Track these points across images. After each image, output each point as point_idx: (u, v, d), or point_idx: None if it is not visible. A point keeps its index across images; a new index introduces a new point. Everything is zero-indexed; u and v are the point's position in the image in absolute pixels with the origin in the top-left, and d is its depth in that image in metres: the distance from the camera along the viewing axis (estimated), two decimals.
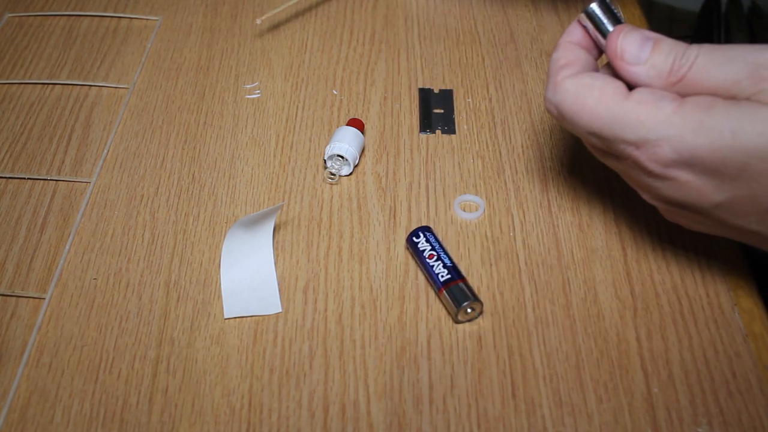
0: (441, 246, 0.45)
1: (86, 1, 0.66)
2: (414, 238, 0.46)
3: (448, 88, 0.57)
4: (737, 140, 0.34)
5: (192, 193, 0.50)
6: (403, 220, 0.48)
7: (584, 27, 0.41)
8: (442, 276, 0.43)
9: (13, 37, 0.63)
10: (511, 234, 0.47)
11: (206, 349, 0.42)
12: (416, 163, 0.52)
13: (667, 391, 0.40)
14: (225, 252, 0.46)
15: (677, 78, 0.37)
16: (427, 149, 0.53)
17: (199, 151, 0.53)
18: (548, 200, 0.49)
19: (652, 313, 0.43)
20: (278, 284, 0.45)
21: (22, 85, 0.58)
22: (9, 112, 0.56)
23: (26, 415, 0.40)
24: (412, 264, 0.46)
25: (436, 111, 0.56)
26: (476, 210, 0.49)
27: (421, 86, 0.58)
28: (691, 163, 0.36)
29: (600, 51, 0.41)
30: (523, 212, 0.49)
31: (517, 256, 0.46)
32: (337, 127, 0.54)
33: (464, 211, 0.49)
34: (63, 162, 0.52)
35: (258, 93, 0.57)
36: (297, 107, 0.56)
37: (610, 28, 0.40)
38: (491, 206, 0.49)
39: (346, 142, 0.50)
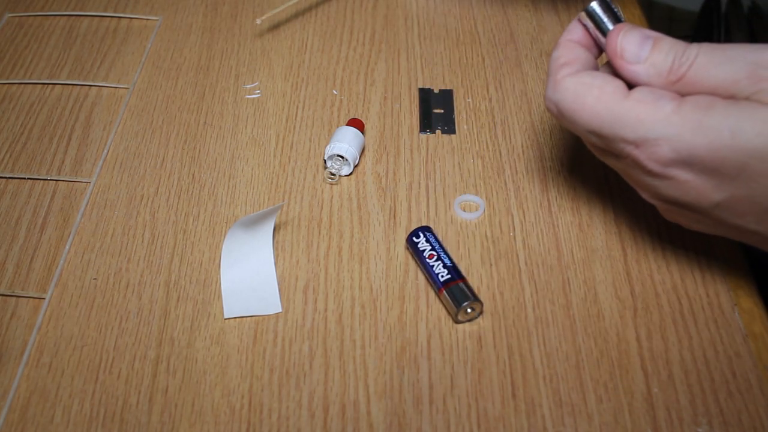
0: (441, 246, 0.45)
1: (86, 1, 0.66)
2: (414, 238, 0.46)
3: (448, 88, 0.57)
4: (736, 140, 0.34)
5: (192, 193, 0.50)
6: (403, 220, 0.48)
7: (584, 25, 0.41)
8: (442, 276, 0.43)
9: (13, 37, 0.63)
10: (511, 234, 0.47)
11: (206, 349, 0.42)
12: (416, 163, 0.52)
13: (667, 391, 0.40)
14: (225, 252, 0.46)
15: (677, 77, 0.37)
16: (427, 149, 0.53)
17: (199, 151, 0.53)
18: (548, 200, 0.49)
19: (652, 313, 0.43)
20: (278, 284, 0.45)
21: (22, 85, 0.58)
22: (9, 112, 0.56)
23: (26, 415, 0.40)
24: (412, 264, 0.46)
25: (436, 111, 0.56)
26: (476, 210, 0.49)
27: (421, 86, 0.58)
28: (690, 162, 0.36)
29: (600, 50, 0.41)
30: (523, 212, 0.49)
31: (517, 256, 0.46)
32: (337, 127, 0.54)
33: (464, 211, 0.49)
34: (63, 162, 0.52)
35: (258, 93, 0.57)
36: (297, 107, 0.56)
37: (610, 26, 0.40)
38: (491, 206, 0.49)
39: (346, 142, 0.50)
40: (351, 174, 0.51)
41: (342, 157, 0.50)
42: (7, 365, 0.42)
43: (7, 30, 0.63)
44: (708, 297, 0.44)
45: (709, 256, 0.46)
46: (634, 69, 0.38)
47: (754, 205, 0.36)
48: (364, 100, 0.57)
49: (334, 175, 0.50)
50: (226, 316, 0.43)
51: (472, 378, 0.41)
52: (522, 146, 0.53)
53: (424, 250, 0.45)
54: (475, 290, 0.44)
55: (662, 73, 0.37)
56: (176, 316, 0.44)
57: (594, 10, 0.40)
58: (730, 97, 0.35)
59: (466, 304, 0.42)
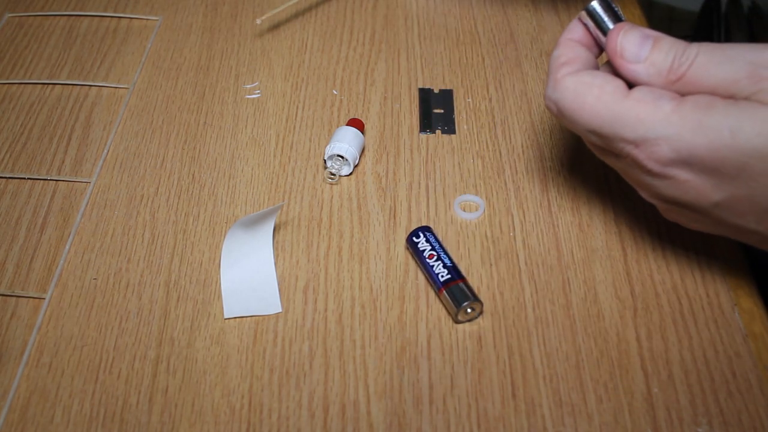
0: (441, 246, 0.45)
1: (86, 1, 0.66)
2: (414, 238, 0.46)
3: (448, 88, 0.57)
4: (736, 140, 0.34)
5: (192, 193, 0.50)
6: (403, 220, 0.48)
7: (585, 25, 0.41)
8: (442, 276, 0.43)
9: (13, 37, 0.63)
10: (511, 234, 0.47)
11: (206, 349, 0.42)
12: (416, 163, 0.52)
13: (667, 391, 0.40)
14: (225, 252, 0.46)
15: (677, 76, 0.37)
16: (427, 149, 0.53)
17: (199, 151, 0.53)
18: (548, 200, 0.49)
19: (652, 313, 0.43)
20: (278, 284, 0.45)
21: (22, 85, 0.58)
22: (9, 112, 0.56)
23: (26, 415, 0.40)
24: (412, 264, 0.46)
25: (436, 111, 0.56)
26: (476, 210, 0.49)
27: (421, 86, 0.58)
28: (689, 162, 0.36)
29: (600, 49, 0.41)
30: (523, 212, 0.49)
31: (517, 256, 0.46)
32: (337, 127, 0.54)
33: (464, 211, 0.49)
34: (63, 162, 0.52)
35: (258, 93, 0.57)
36: (297, 107, 0.56)
37: (610, 25, 0.40)
38: (491, 206, 0.49)
39: (346, 142, 0.50)
40: (351, 174, 0.51)
41: (342, 157, 0.50)
42: (7, 365, 0.42)
43: (7, 30, 0.63)
44: (708, 297, 0.44)
45: (709, 256, 0.46)
46: (634, 68, 0.38)
47: (753, 204, 0.36)
48: (364, 100, 0.57)
49: (334, 175, 0.50)
50: (226, 316, 0.43)
51: (472, 378, 0.41)
52: (522, 146, 0.53)
53: (424, 250, 0.45)
54: (475, 290, 0.44)
55: (662, 73, 0.37)
56: (176, 316, 0.44)
57: (594, 9, 0.40)
58: (730, 96, 0.35)
59: (466, 304, 0.42)
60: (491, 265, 0.46)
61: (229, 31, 0.63)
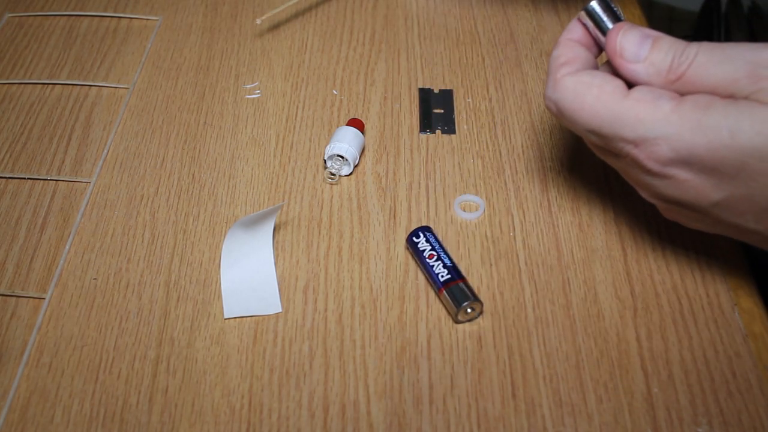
0: (441, 246, 0.45)
1: (86, 1, 0.66)
2: (414, 238, 0.46)
3: (448, 88, 0.57)
4: (735, 139, 0.34)
5: (192, 193, 0.50)
6: (403, 220, 0.48)
7: (584, 25, 0.41)
8: (442, 276, 0.43)
9: (13, 37, 0.63)
10: (511, 234, 0.47)
11: (206, 349, 0.42)
12: (416, 163, 0.52)
13: (667, 391, 0.40)
14: (225, 252, 0.46)
15: (676, 76, 0.37)
16: (427, 149, 0.53)
17: (199, 151, 0.53)
18: (548, 200, 0.49)
19: (652, 313, 0.43)
20: (278, 284, 0.45)
21: (22, 85, 0.58)
22: (9, 112, 0.56)
23: (26, 415, 0.40)
24: (412, 264, 0.46)
25: (436, 111, 0.56)
26: (476, 210, 0.49)
27: (421, 86, 0.58)
28: (689, 161, 0.36)
29: (600, 49, 0.41)
30: (523, 212, 0.49)
31: (517, 256, 0.46)
32: (337, 127, 0.54)
33: (464, 211, 0.49)
34: (63, 162, 0.52)
35: (258, 93, 0.57)
36: (297, 107, 0.56)
37: (609, 25, 0.40)
38: (491, 206, 0.49)
39: (346, 142, 0.50)
40: (351, 174, 0.51)
41: (342, 157, 0.50)
42: (7, 365, 0.42)
43: (7, 30, 0.63)
44: (708, 297, 0.44)
45: (709, 256, 0.46)
46: (633, 68, 0.38)
47: (753, 204, 0.36)
48: (364, 100, 0.57)
49: (334, 175, 0.50)
50: (226, 316, 0.43)
51: (472, 378, 0.41)
52: (522, 146, 0.53)
53: (424, 250, 0.45)
54: (475, 290, 0.44)
55: (661, 72, 0.37)
56: (176, 316, 0.44)
57: (594, 9, 0.40)
58: (730, 96, 0.35)
59: (466, 304, 0.42)
60: (491, 265, 0.46)
61: (229, 31, 0.63)
